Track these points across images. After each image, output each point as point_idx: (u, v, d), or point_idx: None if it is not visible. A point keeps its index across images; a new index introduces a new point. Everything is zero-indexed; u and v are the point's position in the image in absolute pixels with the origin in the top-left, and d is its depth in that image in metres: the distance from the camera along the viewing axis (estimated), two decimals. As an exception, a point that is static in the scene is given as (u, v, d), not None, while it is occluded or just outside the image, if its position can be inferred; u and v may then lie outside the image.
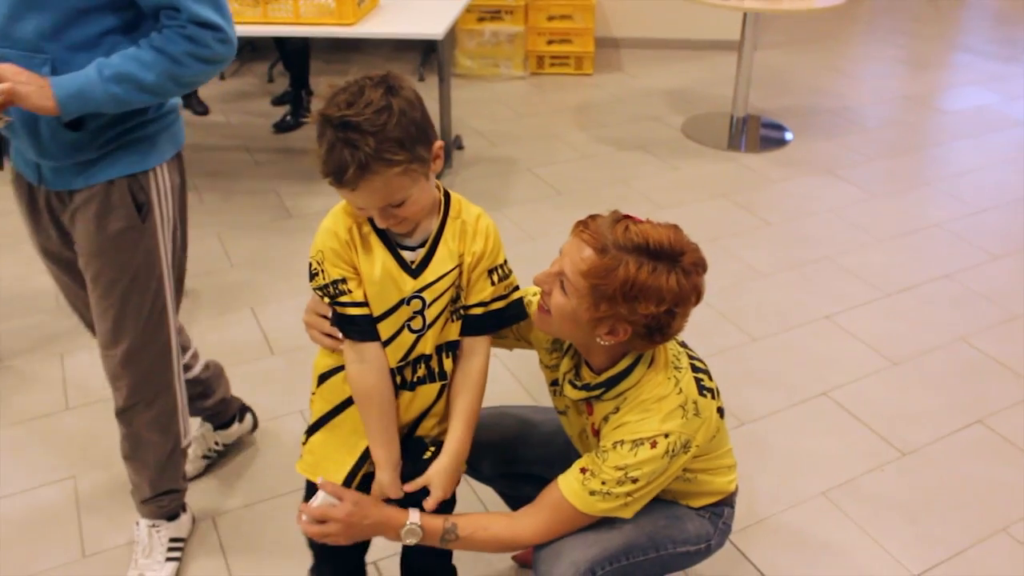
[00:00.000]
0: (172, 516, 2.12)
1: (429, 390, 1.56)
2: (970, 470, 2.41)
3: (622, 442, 1.47)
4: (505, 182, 4.13)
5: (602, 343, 1.47)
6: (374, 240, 1.46)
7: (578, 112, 5.02)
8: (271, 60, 5.58)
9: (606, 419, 1.53)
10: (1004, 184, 4.09)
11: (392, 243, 1.47)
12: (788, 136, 4.63)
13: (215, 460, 2.41)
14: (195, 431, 2.34)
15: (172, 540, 2.11)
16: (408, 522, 1.52)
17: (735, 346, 2.91)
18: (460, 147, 4.46)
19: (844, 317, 3.07)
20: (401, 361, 1.51)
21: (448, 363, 1.55)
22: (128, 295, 1.80)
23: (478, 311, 1.54)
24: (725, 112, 4.85)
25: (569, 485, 1.52)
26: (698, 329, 1.53)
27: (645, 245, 1.39)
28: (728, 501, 1.71)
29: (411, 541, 1.53)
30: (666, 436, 1.46)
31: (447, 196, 1.50)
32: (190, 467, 2.30)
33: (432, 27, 3.52)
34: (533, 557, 1.62)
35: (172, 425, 2.00)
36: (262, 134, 4.67)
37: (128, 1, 1.59)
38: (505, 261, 1.56)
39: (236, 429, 2.42)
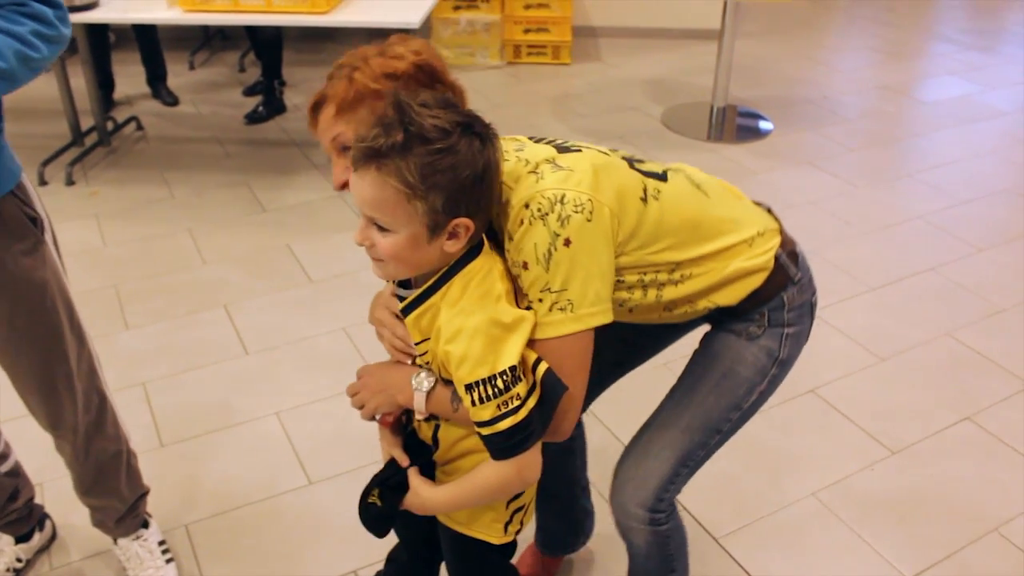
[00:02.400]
0: (145, 524, 2.05)
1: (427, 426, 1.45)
2: (960, 469, 2.37)
3: (522, 263, 1.24)
4: (483, 174, 4.04)
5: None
6: None
7: (556, 102, 4.94)
8: (242, 49, 5.47)
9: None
10: (985, 175, 4.07)
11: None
12: (767, 126, 4.59)
13: None
14: None
15: (159, 544, 2.05)
16: (422, 372, 1.32)
17: (720, 342, 2.85)
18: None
19: (829, 312, 3.03)
20: None
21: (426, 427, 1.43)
22: (50, 320, 1.65)
23: (478, 432, 1.26)
24: (705, 102, 4.80)
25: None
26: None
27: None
28: (780, 281, 1.44)
29: (425, 387, 1.31)
30: (527, 206, 1.22)
31: (458, 265, 1.24)
32: None
33: (407, 16, 3.43)
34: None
35: (118, 431, 1.89)
36: (234, 125, 4.56)
37: None
38: (495, 376, 1.20)
39: (38, 540, 2.08)
